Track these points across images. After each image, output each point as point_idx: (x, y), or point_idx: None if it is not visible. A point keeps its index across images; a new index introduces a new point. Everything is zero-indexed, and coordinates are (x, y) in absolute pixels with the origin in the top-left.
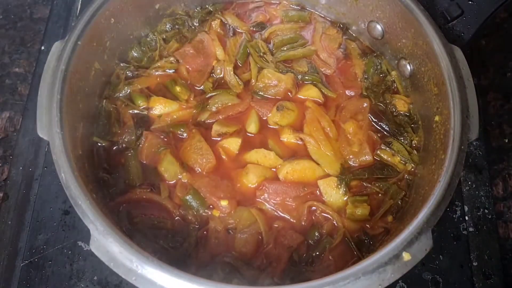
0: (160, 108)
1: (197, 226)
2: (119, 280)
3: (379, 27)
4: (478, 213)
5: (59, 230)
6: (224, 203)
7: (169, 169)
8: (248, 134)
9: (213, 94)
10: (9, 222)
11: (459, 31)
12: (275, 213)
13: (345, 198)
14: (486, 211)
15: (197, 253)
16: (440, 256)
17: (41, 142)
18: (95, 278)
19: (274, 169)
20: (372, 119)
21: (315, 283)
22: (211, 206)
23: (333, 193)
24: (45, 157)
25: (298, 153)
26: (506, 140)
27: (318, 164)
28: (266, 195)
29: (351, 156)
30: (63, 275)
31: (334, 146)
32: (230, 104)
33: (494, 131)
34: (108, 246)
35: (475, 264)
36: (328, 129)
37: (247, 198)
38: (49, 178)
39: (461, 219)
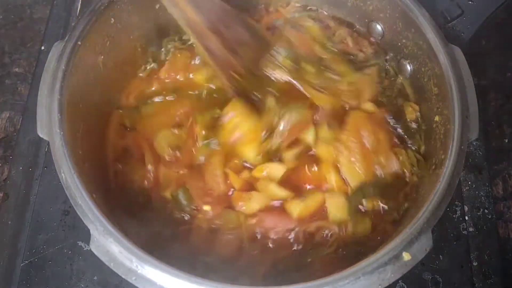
0: None
1: (185, 219)
2: (119, 280)
3: (379, 27)
4: (478, 213)
5: (59, 230)
6: (206, 208)
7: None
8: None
9: None
10: (9, 222)
11: (459, 31)
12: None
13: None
14: (486, 211)
15: (178, 245)
16: (440, 256)
17: (41, 142)
18: (95, 278)
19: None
20: (390, 125)
21: (315, 283)
22: (196, 208)
23: (339, 213)
24: (45, 157)
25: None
26: (506, 140)
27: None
28: (258, 225)
29: (377, 167)
30: (63, 275)
31: (366, 159)
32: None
33: (494, 131)
34: (108, 246)
35: (475, 264)
36: (368, 139)
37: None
38: (49, 178)
39: (461, 219)
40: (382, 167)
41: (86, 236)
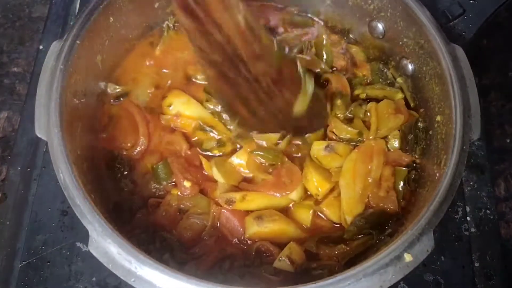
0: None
1: (158, 193)
2: (117, 282)
3: (380, 26)
4: (480, 214)
5: (58, 231)
6: (187, 184)
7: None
8: None
9: None
10: (7, 223)
11: (461, 30)
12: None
13: None
14: (488, 211)
15: (144, 215)
16: (442, 257)
17: (40, 142)
18: (94, 279)
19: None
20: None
21: (315, 285)
22: (173, 183)
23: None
24: (44, 157)
25: None
26: (508, 140)
27: None
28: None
29: (371, 198)
30: (61, 276)
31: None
32: None
33: (495, 131)
34: (107, 247)
35: (476, 265)
36: (373, 173)
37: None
38: (47, 178)
39: (462, 219)
40: (378, 200)
41: (84, 236)
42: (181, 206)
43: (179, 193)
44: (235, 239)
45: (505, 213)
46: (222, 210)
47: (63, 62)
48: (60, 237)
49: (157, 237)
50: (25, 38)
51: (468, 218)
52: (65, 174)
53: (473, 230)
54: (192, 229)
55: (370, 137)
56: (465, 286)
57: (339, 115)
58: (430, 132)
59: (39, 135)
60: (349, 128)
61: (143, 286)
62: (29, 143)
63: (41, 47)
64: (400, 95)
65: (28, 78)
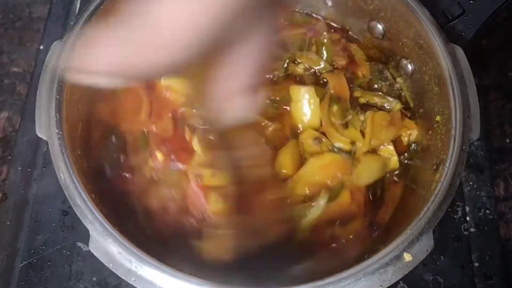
0: None
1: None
2: (118, 281)
3: (379, 26)
4: (480, 214)
5: (58, 231)
6: (159, 155)
7: None
8: None
9: None
10: (8, 223)
11: (460, 30)
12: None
13: None
14: (487, 211)
15: (119, 187)
16: (441, 257)
17: (40, 142)
18: (94, 279)
19: None
20: None
21: (315, 284)
22: (150, 154)
23: None
24: (44, 157)
25: None
26: (508, 140)
27: None
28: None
29: None
30: (62, 275)
31: None
32: None
33: (495, 131)
34: (108, 246)
35: (476, 264)
36: None
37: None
38: (48, 178)
39: (462, 219)
40: None
41: (85, 236)
42: (153, 176)
43: (152, 164)
44: (200, 214)
45: (504, 213)
46: (191, 184)
47: (64, 62)
48: (60, 237)
49: (133, 213)
50: (25, 38)
51: (468, 218)
52: (65, 174)
53: (472, 230)
54: (160, 200)
55: (364, 149)
56: (464, 286)
57: (334, 122)
58: (430, 132)
59: (39, 135)
60: (342, 137)
61: (143, 285)
62: (30, 143)
63: (41, 47)
64: (398, 107)
65: (28, 78)
